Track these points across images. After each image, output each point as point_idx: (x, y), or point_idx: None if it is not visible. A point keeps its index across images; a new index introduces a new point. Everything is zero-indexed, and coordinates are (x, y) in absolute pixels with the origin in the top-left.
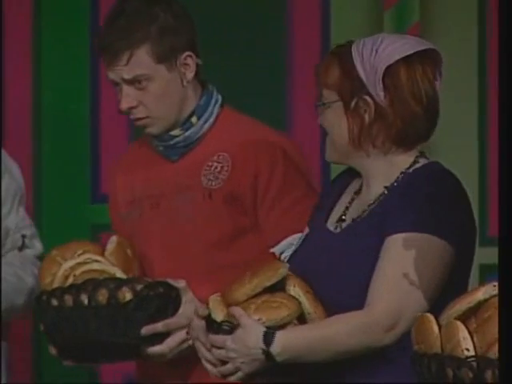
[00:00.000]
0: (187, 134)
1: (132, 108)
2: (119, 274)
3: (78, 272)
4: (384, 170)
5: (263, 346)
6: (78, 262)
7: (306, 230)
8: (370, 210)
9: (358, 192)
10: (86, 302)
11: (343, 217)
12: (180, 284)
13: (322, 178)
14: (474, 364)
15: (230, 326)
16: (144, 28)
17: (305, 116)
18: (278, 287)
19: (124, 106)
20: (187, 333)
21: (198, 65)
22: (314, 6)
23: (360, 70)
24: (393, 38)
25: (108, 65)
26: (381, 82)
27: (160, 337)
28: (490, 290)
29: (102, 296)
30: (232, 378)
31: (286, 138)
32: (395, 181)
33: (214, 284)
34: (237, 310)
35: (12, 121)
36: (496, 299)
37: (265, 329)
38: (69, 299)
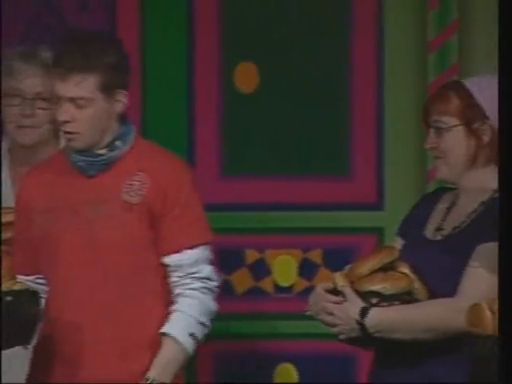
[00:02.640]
0: (111, 154)
1: (67, 122)
2: None
3: None
4: (481, 186)
5: (358, 318)
6: None
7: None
8: (469, 221)
9: (451, 206)
10: None
11: (442, 226)
12: None
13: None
14: None
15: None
16: (97, 57)
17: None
18: (388, 268)
19: (61, 118)
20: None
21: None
22: (371, 57)
23: (480, 99)
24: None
25: (59, 81)
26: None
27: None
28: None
29: None
30: (339, 338)
31: (187, 164)
32: (490, 198)
33: (124, 285)
34: (347, 289)
35: None
36: None
37: (364, 305)
38: None
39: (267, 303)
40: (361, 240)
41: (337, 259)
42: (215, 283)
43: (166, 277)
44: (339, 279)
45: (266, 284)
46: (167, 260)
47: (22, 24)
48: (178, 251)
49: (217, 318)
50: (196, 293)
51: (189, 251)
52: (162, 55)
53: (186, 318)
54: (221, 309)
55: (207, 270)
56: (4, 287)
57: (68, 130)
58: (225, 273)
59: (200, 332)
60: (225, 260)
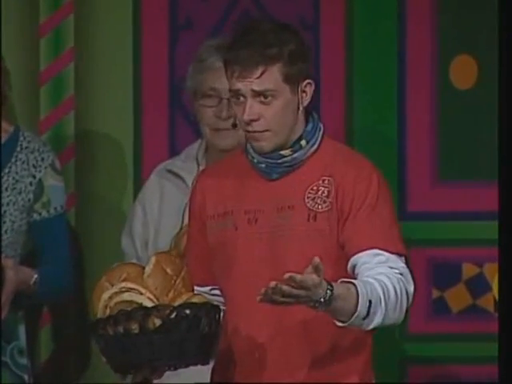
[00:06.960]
0: (295, 155)
1: (253, 120)
2: (146, 302)
3: (112, 303)
4: None
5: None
6: (115, 292)
7: None
8: None
9: None
10: (134, 330)
11: None
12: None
13: None
14: None
15: None
16: (278, 47)
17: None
18: None
19: (247, 117)
20: None
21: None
22: None
23: None
24: None
25: (238, 76)
26: None
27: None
28: None
29: (135, 326)
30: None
31: (376, 166)
32: None
33: None
34: None
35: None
36: None
37: None
38: (110, 330)
39: (487, 323)
40: None
41: None
42: (411, 287)
43: None
44: None
45: (486, 302)
46: (353, 261)
47: (217, 11)
48: (363, 251)
49: (431, 339)
50: (388, 277)
51: (378, 252)
52: (370, 48)
53: (373, 286)
54: (435, 329)
55: (403, 268)
56: (181, 300)
57: (256, 129)
58: (439, 289)
59: (377, 312)
60: (439, 275)
